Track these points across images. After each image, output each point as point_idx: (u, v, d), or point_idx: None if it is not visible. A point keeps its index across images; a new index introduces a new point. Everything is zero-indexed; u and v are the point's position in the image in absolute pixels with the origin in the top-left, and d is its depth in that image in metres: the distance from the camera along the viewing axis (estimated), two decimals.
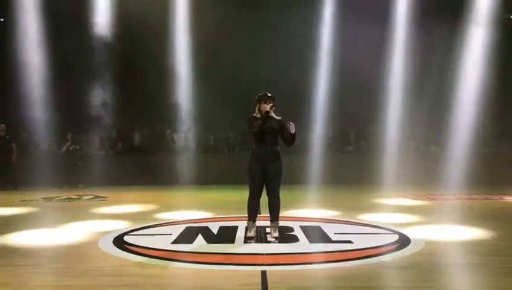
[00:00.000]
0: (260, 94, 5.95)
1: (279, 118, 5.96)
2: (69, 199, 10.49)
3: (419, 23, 12.69)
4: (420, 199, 10.07)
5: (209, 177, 12.12)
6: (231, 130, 14.34)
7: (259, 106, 5.92)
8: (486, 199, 10.18)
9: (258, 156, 5.89)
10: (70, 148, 13.07)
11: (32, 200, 9.95)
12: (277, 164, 5.90)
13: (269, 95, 5.91)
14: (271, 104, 5.85)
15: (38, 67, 12.64)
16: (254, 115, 5.96)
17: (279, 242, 5.84)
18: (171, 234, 6.34)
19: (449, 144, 12.53)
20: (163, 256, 5.25)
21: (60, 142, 13.14)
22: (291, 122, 5.79)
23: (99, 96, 12.97)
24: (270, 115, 5.85)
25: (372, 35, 12.39)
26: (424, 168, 11.40)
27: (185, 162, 12.62)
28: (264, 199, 5.99)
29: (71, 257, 5.40)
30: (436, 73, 12.55)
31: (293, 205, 8.54)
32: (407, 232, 6.43)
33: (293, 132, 5.78)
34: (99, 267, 4.91)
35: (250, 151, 5.99)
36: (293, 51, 12.97)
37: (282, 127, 5.92)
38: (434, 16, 12.24)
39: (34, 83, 12.59)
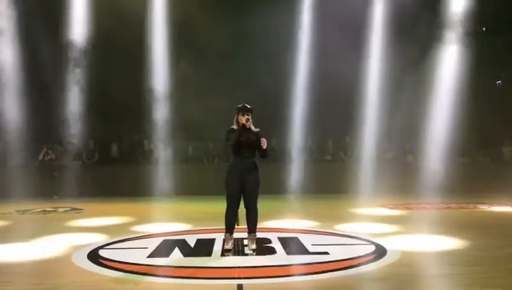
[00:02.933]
0: (239, 106, 5.94)
1: (257, 129, 5.96)
2: (44, 211, 10.28)
3: (395, 34, 12.88)
4: (397, 209, 10.16)
5: (187, 188, 12.03)
6: (210, 140, 14.28)
7: (237, 118, 5.92)
8: (462, 208, 10.33)
9: (235, 168, 5.88)
10: (46, 158, 12.84)
11: (5, 213, 9.72)
12: (255, 176, 5.90)
13: (247, 107, 5.90)
14: (247, 116, 5.85)
15: (13, 77, 12.45)
16: (232, 126, 5.95)
17: (256, 254, 5.82)
18: (147, 248, 6.26)
19: (425, 154, 12.71)
20: (139, 270, 5.18)
21: (35, 153, 12.91)
22: (263, 138, 5.84)
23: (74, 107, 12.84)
24: (248, 127, 5.85)
25: (350, 47, 12.52)
26: (401, 178, 11.51)
27: (163, 173, 12.52)
28: (241, 210, 5.97)
29: (44, 272, 5.29)
30: (412, 83, 12.75)
31: (271, 216, 8.52)
32: (383, 242, 6.47)
33: (265, 147, 5.83)
34: (73, 283, 4.82)
35: (228, 163, 5.98)
36: (271, 60, 13.03)
37: (259, 139, 5.93)
38: (410, 27, 12.45)
39: (8, 93, 12.39)
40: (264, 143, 5.82)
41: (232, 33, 12.65)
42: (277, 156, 13.16)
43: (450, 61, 13.08)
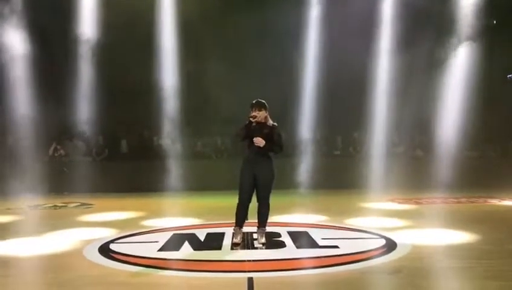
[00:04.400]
0: (254, 101, 5.93)
1: (274, 124, 5.94)
2: (55, 206, 10.37)
3: (405, 28, 12.79)
4: (407, 203, 10.13)
5: (196, 183, 12.06)
6: (219, 135, 14.31)
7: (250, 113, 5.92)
8: (472, 202, 10.27)
9: (248, 163, 5.90)
10: (56, 154, 12.94)
11: (17, 208, 9.82)
12: (267, 171, 5.88)
13: (257, 102, 5.87)
14: (256, 112, 5.81)
15: (24, 71, 12.53)
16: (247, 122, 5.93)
17: (266, 248, 5.84)
18: (157, 242, 6.29)
19: (435, 148, 12.65)
20: (150, 264, 5.21)
21: (45, 148, 13.01)
22: (257, 138, 5.75)
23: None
24: (255, 121, 5.82)
25: (359, 40, 12.47)
26: (411, 172, 11.46)
27: (172, 168, 12.55)
28: (252, 204, 5.99)
29: (56, 266, 5.34)
30: (422, 77, 12.67)
31: (280, 210, 8.50)
32: (393, 236, 6.45)
33: (261, 145, 5.77)
34: (84, 276, 4.86)
35: (243, 158, 6.00)
36: (280, 56, 13.02)
37: (274, 133, 5.91)
38: (421, 21, 12.37)
39: (19, 87, 12.48)
40: (258, 142, 5.75)
41: (241, 27, 12.61)
42: (287, 151, 13.16)
43: (460, 55, 12.98)
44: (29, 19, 12.41)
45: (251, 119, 5.81)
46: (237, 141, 5.94)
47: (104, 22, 12.80)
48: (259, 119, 5.84)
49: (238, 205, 5.94)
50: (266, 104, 5.92)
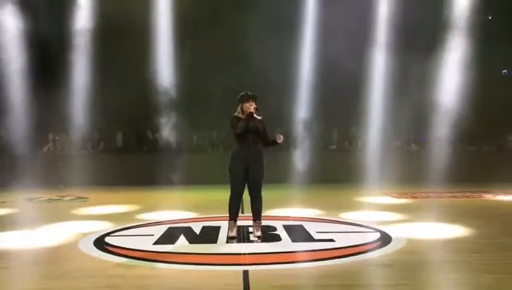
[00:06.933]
0: (242, 94, 5.93)
1: (260, 117, 5.96)
2: (50, 199, 10.35)
3: (402, 22, 12.78)
4: (402, 197, 10.16)
5: (192, 177, 12.05)
6: (215, 129, 14.28)
7: (242, 106, 5.90)
8: (467, 197, 10.32)
9: (240, 156, 5.88)
10: (52, 147, 12.90)
11: (12, 201, 9.78)
12: (259, 164, 5.90)
13: (251, 94, 5.89)
14: (254, 103, 5.83)
15: (18, 65, 12.41)
16: (236, 114, 5.93)
17: (261, 241, 5.85)
18: (153, 235, 6.29)
19: (431, 143, 12.68)
20: (145, 257, 5.21)
21: (41, 141, 12.95)
22: (279, 135, 5.83)
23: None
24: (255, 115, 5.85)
25: (356, 35, 12.45)
26: (406, 166, 11.48)
27: (168, 162, 12.53)
28: (245, 198, 5.98)
29: (51, 258, 5.33)
30: (418, 72, 12.66)
31: (275, 204, 8.54)
32: (388, 230, 6.47)
33: (280, 141, 5.82)
34: (79, 269, 4.85)
35: (232, 152, 5.99)
36: (276, 49, 12.98)
37: (264, 127, 5.92)
38: (416, 17, 12.35)
39: (14, 81, 12.37)
40: (279, 139, 5.81)
41: (235, 18, 12.57)
42: (282, 145, 13.16)
43: (456, 50, 12.99)
44: (24, 6, 12.28)
45: (253, 112, 5.81)
46: (236, 132, 5.87)
47: (101, 11, 12.71)
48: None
49: (232, 199, 5.94)
50: None
